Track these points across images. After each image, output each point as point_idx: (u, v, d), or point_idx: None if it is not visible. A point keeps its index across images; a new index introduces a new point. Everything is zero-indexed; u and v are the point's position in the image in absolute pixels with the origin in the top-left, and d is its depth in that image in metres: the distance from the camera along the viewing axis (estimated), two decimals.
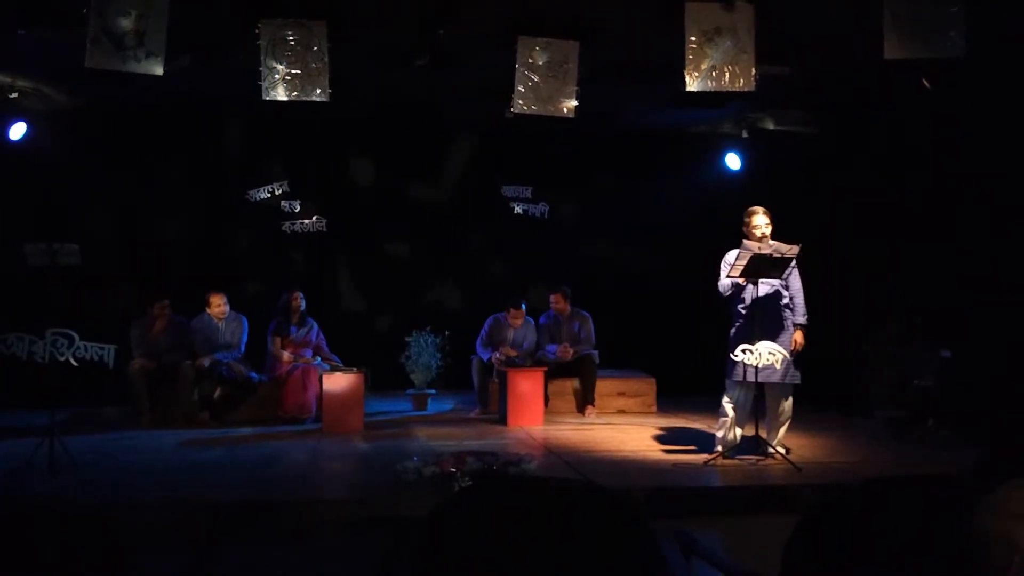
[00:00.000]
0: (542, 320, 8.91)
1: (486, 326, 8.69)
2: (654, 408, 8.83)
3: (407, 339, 8.78)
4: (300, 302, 8.41)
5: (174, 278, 8.98)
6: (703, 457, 6.16)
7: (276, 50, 6.15)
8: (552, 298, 8.78)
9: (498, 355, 8.39)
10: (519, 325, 8.65)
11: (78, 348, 5.74)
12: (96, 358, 5.80)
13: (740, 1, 5.94)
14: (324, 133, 9.59)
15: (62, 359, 5.72)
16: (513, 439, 7.11)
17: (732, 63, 6.08)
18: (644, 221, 10.16)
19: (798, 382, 6.10)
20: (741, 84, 6.12)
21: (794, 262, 6.04)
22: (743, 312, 6.16)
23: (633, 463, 6.16)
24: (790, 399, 6.17)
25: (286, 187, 9.87)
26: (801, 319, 6.16)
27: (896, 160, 8.18)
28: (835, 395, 8.20)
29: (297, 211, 9.90)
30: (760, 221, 6.14)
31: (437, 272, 10.15)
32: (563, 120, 6.66)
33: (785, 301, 6.15)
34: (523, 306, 8.62)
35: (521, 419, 7.84)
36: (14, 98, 8.06)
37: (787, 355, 5.90)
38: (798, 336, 6.10)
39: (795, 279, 6.18)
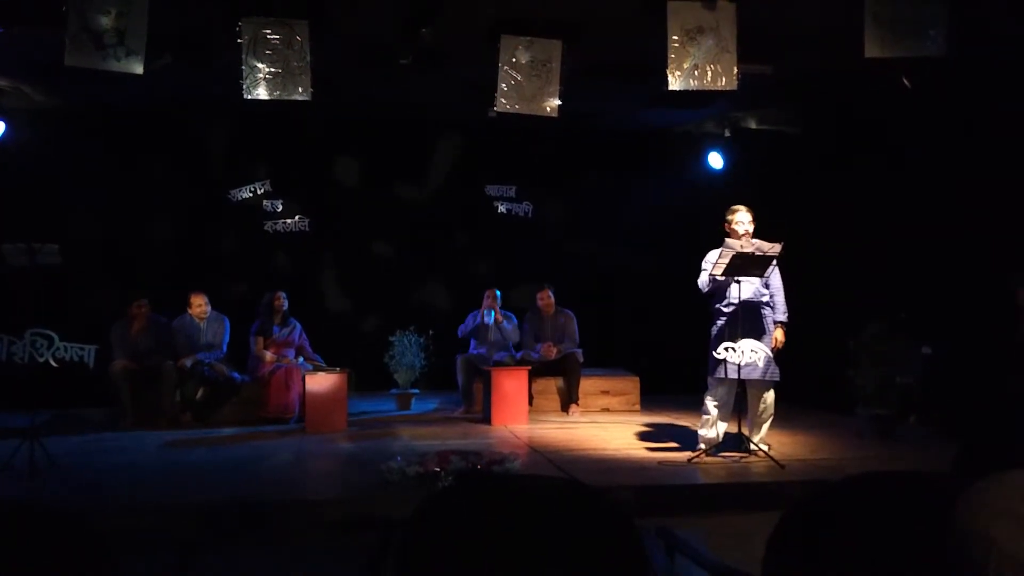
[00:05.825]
0: (526, 323, 8.90)
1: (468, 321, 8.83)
2: (638, 406, 8.86)
3: (391, 339, 8.78)
4: (283, 302, 8.38)
5: (156, 278, 8.92)
6: (686, 455, 6.18)
7: (257, 49, 6.11)
8: (539, 295, 8.81)
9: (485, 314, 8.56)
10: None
11: (58, 349, 5.70)
12: (76, 359, 5.76)
13: (722, 0, 5.96)
14: (306, 132, 9.56)
15: (42, 360, 5.67)
16: (497, 438, 7.11)
17: (714, 62, 6.09)
18: (627, 220, 10.20)
19: (778, 379, 6.13)
20: (723, 83, 6.13)
21: (775, 260, 6.08)
22: (725, 310, 6.17)
23: (617, 461, 6.17)
24: (772, 396, 6.21)
25: (268, 187, 9.82)
26: (781, 317, 6.19)
27: (878, 158, 8.23)
28: (819, 393, 8.25)
29: (279, 211, 9.85)
30: (742, 219, 6.16)
31: (421, 271, 10.13)
32: (546, 119, 6.66)
33: (766, 299, 6.18)
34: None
35: (505, 418, 7.84)
36: None
37: (769, 352, 5.94)
38: (779, 334, 6.15)
39: (775, 277, 6.20)
